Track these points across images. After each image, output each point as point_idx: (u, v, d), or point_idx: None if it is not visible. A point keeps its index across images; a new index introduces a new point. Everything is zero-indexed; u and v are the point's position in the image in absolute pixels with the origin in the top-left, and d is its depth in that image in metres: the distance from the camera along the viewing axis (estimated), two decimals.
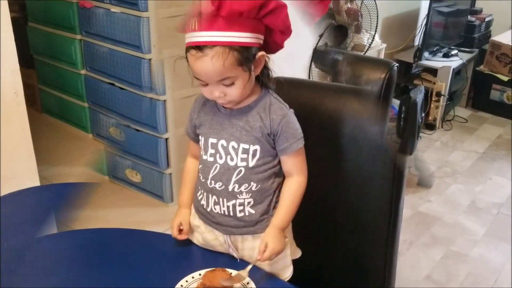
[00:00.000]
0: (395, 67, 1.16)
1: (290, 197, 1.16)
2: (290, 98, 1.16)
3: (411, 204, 2.87)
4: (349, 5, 2.73)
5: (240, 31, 1.03)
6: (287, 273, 1.22)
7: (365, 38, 2.88)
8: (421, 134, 3.48)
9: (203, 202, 1.20)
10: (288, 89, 1.18)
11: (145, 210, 2.77)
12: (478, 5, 4.29)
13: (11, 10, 1.93)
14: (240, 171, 1.13)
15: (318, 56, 2.65)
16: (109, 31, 2.65)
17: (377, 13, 2.78)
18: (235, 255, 1.21)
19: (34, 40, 3.17)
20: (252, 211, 1.16)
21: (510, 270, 2.32)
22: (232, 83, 1.06)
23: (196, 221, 1.25)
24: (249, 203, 1.15)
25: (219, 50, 1.02)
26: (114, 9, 2.57)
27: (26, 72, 3.34)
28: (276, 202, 1.19)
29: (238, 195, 1.15)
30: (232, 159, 1.14)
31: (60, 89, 3.15)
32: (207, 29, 1.02)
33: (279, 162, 1.17)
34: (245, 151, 1.13)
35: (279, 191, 1.19)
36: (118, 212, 2.73)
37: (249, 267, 1.09)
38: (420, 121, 3.22)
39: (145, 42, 2.50)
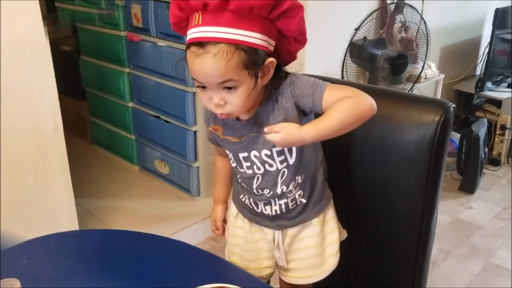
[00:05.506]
0: (452, 108, 1.01)
1: (336, 106, 0.95)
2: None
3: (451, 210, 2.77)
4: (403, 34, 2.59)
5: (249, 30, 0.90)
6: (334, 261, 1.18)
7: (421, 68, 2.72)
8: (484, 171, 3.23)
9: (251, 206, 1.16)
10: None
11: (172, 202, 2.76)
12: None
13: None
14: (283, 172, 1.08)
15: (354, 50, 2.50)
16: (155, 64, 2.64)
17: (429, 42, 2.62)
18: (278, 255, 1.18)
19: (85, 72, 3.22)
20: (304, 200, 1.13)
21: None
22: (235, 88, 0.93)
23: (239, 221, 1.22)
24: (300, 194, 1.12)
25: (223, 48, 0.89)
26: (161, 42, 2.56)
27: (78, 104, 3.41)
28: (323, 179, 1.15)
29: (288, 194, 1.11)
30: (271, 165, 1.07)
31: (109, 121, 3.18)
32: (212, 24, 0.89)
33: None
34: (280, 152, 1.05)
35: (323, 166, 1.15)
36: (146, 203, 2.75)
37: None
38: (483, 156, 3.04)
39: (189, 75, 2.46)
